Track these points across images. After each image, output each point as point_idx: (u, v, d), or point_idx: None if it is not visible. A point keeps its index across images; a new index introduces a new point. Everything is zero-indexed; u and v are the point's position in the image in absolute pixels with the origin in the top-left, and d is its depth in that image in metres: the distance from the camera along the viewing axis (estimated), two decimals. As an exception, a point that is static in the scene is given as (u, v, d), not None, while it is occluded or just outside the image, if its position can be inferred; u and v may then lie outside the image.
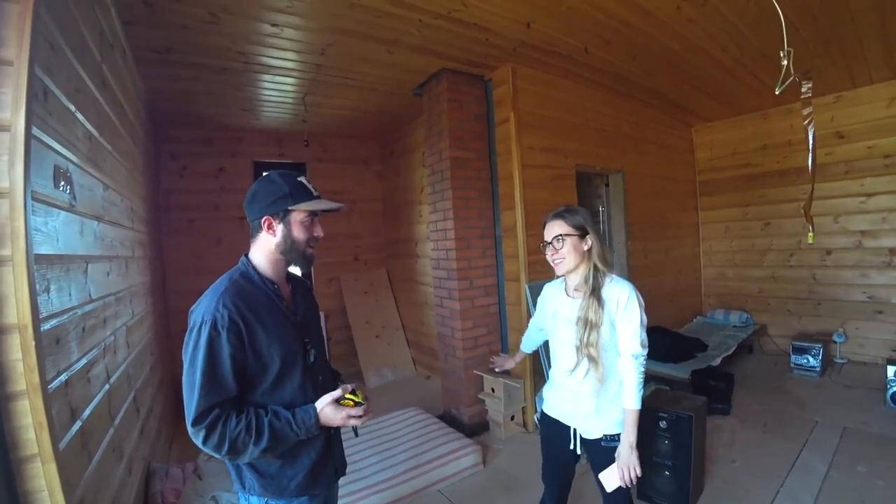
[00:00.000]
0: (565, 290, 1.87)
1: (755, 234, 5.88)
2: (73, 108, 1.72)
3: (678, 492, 2.65)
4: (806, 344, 4.74)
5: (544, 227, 1.82)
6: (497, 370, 2.54)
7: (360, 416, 1.39)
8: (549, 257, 1.80)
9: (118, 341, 2.28)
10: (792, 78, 2.22)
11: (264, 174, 1.44)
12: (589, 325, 1.69)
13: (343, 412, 1.36)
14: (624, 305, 1.69)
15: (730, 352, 4.66)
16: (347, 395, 1.40)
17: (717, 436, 3.48)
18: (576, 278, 1.79)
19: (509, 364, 2.47)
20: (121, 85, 2.67)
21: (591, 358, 1.69)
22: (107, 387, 1.94)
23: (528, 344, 2.33)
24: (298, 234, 1.39)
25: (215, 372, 1.23)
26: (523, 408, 3.80)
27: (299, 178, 1.42)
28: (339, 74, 3.72)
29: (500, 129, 3.91)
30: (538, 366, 3.70)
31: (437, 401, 4.38)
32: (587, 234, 1.76)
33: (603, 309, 1.70)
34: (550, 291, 1.98)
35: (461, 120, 3.85)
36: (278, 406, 1.32)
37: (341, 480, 2.74)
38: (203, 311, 1.27)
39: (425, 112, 4.10)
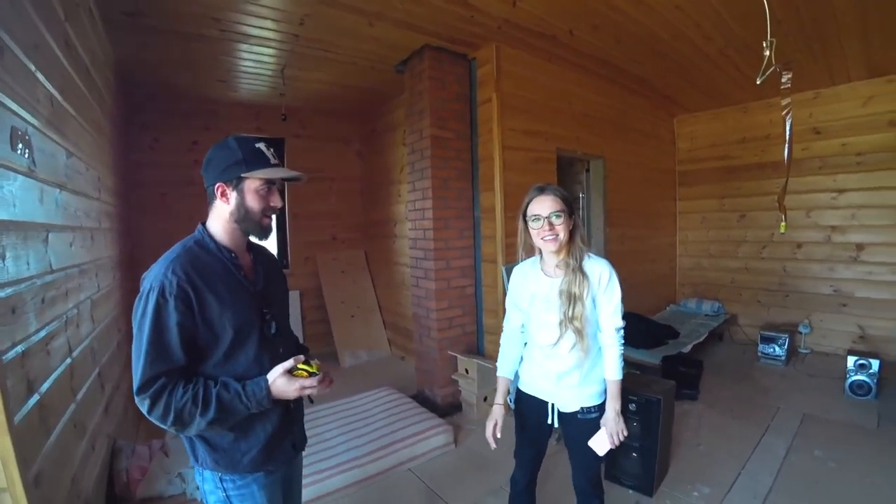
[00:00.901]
0: (542, 270, 1.85)
1: (731, 226, 5.98)
2: (32, 67, 1.63)
3: (644, 473, 2.72)
4: (773, 334, 4.88)
5: (530, 203, 1.76)
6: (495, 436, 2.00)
7: (314, 387, 1.35)
8: (537, 233, 1.73)
9: (82, 315, 2.21)
10: (773, 68, 2.22)
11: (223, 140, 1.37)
12: (573, 298, 1.71)
13: (296, 383, 1.31)
14: (606, 282, 1.74)
15: (701, 339, 4.76)
16: (300, 366, 1.34)
17: (684, 420, 3.58)
18: (557, 257, 1.78)
19: (500, 414, 2.01)
20: (87, 48, 2.55)
21: (577, 331, 1.72)
22: (69, 360, 1.89)
23: (512, 361, 2.02)
24: (252, 203, 1.34)
25: (161, 340, 1.19)
26: (496, 389, 3.82)
27: (257, 145, 1.35)
28: (319, 47, 3.62)
29: (482, 110, 3.87)
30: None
31: (411, 381, 4.39)
32: (573, 212, 1.76)
33: (587, 283, 1.72)
34: (523, 273, 1.93)
35: (443, 99, 3.79)
36: (230, 378, 1.28)
37: (310, 458, 2.77)
38: (152, 277, 1.23)
39: (407, 89, 4.03)
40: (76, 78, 2.27)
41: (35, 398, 1.47)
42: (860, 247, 4.93)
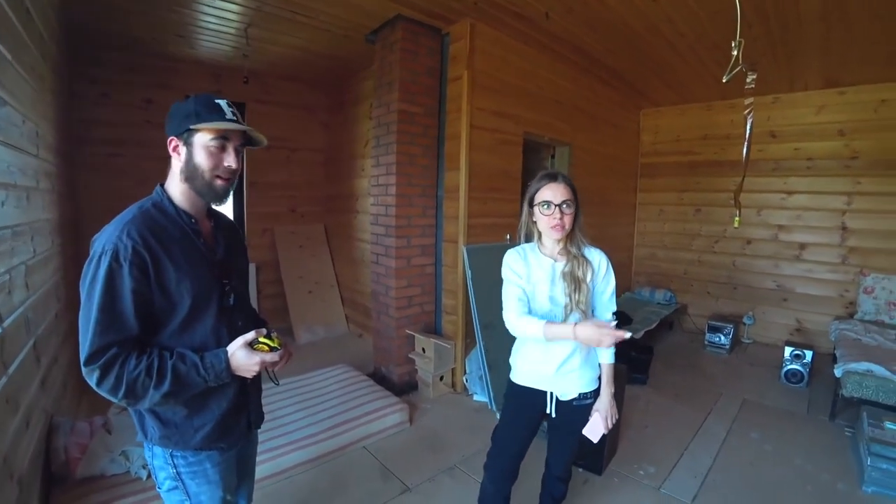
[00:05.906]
0: (542, 253, 1.82)
1: (687, 219, 6.18)
2: (-42, 1, 1.46)
3: (594, 452, 2.78)
4: (720, 324, 5.11)
5: (540, 189, 1.74)
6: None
7: (275, 363, 1.30)
8: (547, 220, 1.71)
9: (15, 281, 2.04)
10: (739, 67, 2.27)
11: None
12: (577, 281, 1.73)
13: (256, 357, 1.26)
14: (605, 269, 1.80)
15: (652, 326, 4.92)
16: (261, 339, 1.28)
17: (633, 403, 3.71)
18: (560, 244, 1.78)
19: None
20: (27, -15, 2.32)
21: (582, 313, 1.72)
22: (-1, 330, 1.75)
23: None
24: (201, 159, 1.24)
25: (114, 308, 1.11)
26: (453, 369, 3.86)
27: (216, 100, 1.28)
28: (288, 7, 3.43)
29: (452, 87, 3.79)
30: (470, 328, 3.73)
31: (368, 359, 4.36)
32: (578, 202, 1.76)
33: (590, 269, 1.75)
34: (521, 256, 1.83)
35: (413, 72, 3.69)
36: (187, 349, 1.22)
37: (265, 435, 2.71)
38: (105, 240, 1.14)
39: (377, 60, 3.89)
40: (12, 16, 2.07)
41: (-43, 367, 1.36)
42: (803, 246, 5.21)
